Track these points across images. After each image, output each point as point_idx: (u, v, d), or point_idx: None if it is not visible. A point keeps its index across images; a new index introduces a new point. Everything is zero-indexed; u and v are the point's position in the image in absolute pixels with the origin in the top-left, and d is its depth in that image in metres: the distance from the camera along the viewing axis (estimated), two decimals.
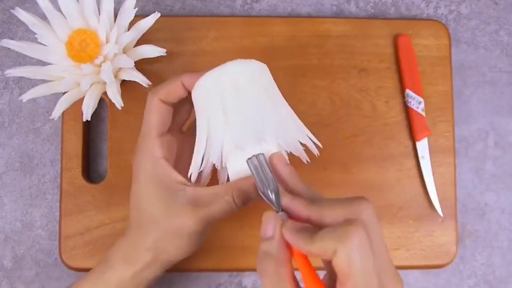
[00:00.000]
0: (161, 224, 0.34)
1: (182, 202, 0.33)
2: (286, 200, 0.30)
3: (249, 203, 0.33)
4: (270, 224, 0.29)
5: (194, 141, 0.35)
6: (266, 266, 0.28)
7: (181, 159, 0.37)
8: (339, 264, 0.25)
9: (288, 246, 0.28)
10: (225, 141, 0.33)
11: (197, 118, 0.35)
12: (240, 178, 0.33)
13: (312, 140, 0.35)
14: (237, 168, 0.33)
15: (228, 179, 0.34)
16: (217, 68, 0.34)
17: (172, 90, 0.35)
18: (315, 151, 0.36)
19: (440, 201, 0.44)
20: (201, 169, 0.34)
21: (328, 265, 0.29)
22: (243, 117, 0.33)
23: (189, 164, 0.35)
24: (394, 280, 0.27)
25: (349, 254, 0.25)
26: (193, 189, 0.34)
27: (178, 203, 0.33)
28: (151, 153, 0.35)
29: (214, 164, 0.34)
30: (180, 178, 0.34)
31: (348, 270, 0.25)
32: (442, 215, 0.44)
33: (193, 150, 0.35)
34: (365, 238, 0.26)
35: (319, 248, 0.26)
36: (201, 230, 0.34)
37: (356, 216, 0.27)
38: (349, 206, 0.28)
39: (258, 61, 0.35)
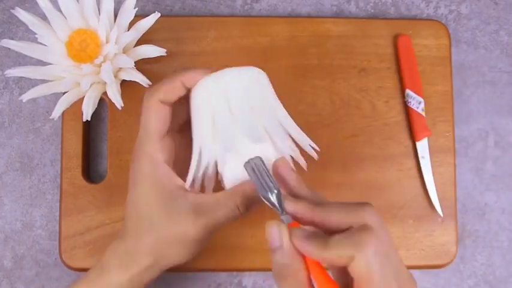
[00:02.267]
0: (162, 231, 0.33)
1: (184, 209, 0.33)
2: (290, 203, 0.29)
3: (253, 208, 0.33)
4: (276, 234, 0.28)
5: (190, 141, 0.35)
6: (284, 277, 0.27)
7: (178, 160, 0.36)
8: (357, 270, 0.25)
9: (299, 253, 0.28)
10: (218, 147, 0.32)
11: (192, 123, 0.35)
12: (242, 183, 0.32)
13: (310, 145, 0.35)
14: (234, 174, 0.33)
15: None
16: (214, 74, 0.34)
17: (171, 89, 0.34)
18: (314, 155, 0.36)
19: (440, 201, 0.44)
20: (199, 175, 0.34)
21: (340, 270, 0.28)
22: (238, 122, 0.32)
23: (187, 164, 0.34)
24: (409, 282, 0.27)
25: (369, 260, 0.25)
26: (195, 196, 0.33)
27: (180, 210, 0.33)
28: (152, 158, 0.34)
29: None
30: (182, 183, 0.34)
31: (367, 275, 0.25)
32: (442, 215, 0.44)
33: (189, 150, 0.35)
34: (380, 243, 0.26)
35: (334, 255, 0.26)
36: (202, 238, 0.33)
37: (363, 221, 0.27)
38: (356, 211, 0.27)
39: (256, 68, 0.34)
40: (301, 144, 0.35)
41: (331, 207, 0.28)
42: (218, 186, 0.36)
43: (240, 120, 0.32)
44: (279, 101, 0.35)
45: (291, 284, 0.27)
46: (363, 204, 0.28)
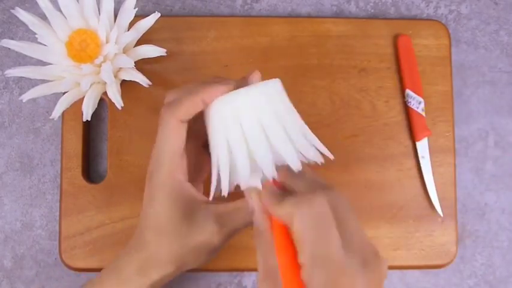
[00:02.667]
0: (186, 241, 0.33)
1: (206, 220, 0.33)
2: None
3: None
4: (250, 198, 0.30)
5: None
6: (256, 235, 0.30)
7: (196, 171, 0.37)
8: (294, 230, 0.26)
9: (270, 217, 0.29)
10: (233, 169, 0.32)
11: (209, 139, 0.34)
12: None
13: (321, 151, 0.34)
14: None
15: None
16: (231, 94, 0.32)
17: (191, 108, 0.32)
18: (321, 160, 0.35)
19: (440, 201, 0.44)
20: (220, 189, 0.33)
21: None
22: (252, 150, 0.31)
23: (203, 173, 0.36)
24: (374, 257, 0.27)
25: (303, 220, 0.25)
26: (215, 206, 0.34)
27: (203, 221, 0.33)
28: (173, 176, 0.33)
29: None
30: (204, 198, 0.34)
31: (300, 236, 0.25)
32: (442, 215, 0.44)
33: (206, 157, 0.35)
34: (325, 207, 0.26)
35: (283, 212, 0.27)
36: (223, 244, 0.34)
37: (323, 189, 0.27)
38: (320, 180, 0.29)
39: (273, 81, 0.33)
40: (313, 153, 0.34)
41: (300, 174, 0.30)
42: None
43: (254, 148, 0.31)
44: (295, 111, 0.34)
45: (260, 242, 0.29)
46: (323, 188, 0.28)
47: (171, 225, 0.33)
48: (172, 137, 0.33)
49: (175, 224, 0.33)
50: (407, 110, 0.45)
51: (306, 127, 0.34)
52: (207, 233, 0.33)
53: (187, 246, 0.33)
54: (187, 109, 0.32)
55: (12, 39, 0.42)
